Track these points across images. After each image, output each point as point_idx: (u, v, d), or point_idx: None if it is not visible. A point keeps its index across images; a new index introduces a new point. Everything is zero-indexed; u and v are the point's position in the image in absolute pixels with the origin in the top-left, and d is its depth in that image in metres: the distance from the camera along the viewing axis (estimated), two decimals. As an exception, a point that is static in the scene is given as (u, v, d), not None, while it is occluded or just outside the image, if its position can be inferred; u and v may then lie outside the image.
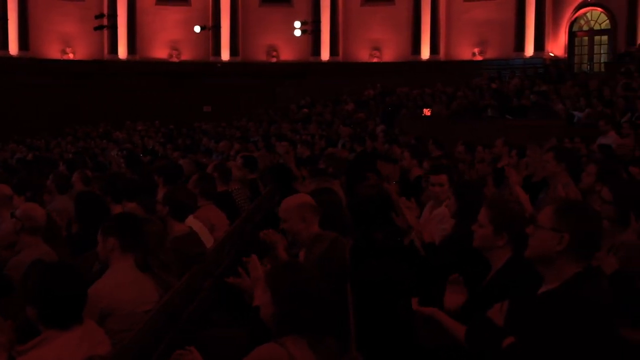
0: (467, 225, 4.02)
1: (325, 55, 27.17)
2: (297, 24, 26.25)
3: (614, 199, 4.46)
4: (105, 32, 26.54)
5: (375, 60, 26.90)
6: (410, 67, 25.63)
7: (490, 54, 25.49)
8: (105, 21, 26.06)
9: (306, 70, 26.48)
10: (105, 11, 26.18)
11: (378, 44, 26.93)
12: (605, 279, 3.11)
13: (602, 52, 24.74)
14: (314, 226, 4.37)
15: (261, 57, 27.58)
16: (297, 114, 21.97)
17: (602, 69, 22.88)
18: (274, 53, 27.53)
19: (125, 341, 3.38)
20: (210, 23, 27.09)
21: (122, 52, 27.00)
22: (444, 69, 25.04)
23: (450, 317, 3.13)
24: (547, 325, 2.67)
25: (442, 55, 26.19)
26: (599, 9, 24.46)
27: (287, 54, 27.52)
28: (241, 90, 25.91)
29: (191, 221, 5.30)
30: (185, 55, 27.52)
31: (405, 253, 5.16)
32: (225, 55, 27.47)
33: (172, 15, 27.27)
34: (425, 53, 26.22)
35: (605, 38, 24.60)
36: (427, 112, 18.45)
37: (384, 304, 4.44)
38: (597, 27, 24.76)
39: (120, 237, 3.91)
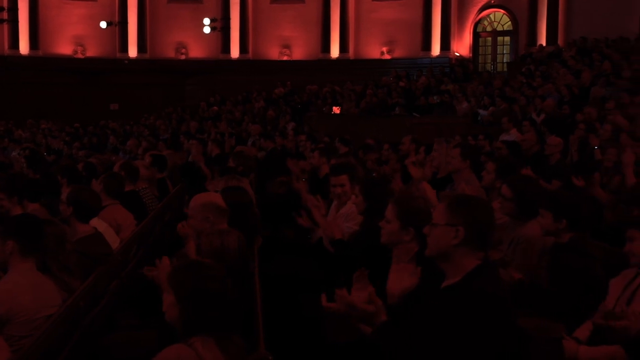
0: (375, 221, 4.09)
1: (235, 52, 26.99)
2: (207, 21, 25.97)
3: (513, 195, 4.62)
4: (6, 26, 25.51)
5: (285, 58, 26.91)
6: (319, 65, 25.76)
7: (398, 53, 25.89)
8: (5, 15, 25.06)
9: (216, 67, 26.24)
10: (5, 4, 25.19)
11: (288, 42, 26.95)
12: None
13: (504, 52, 25.51)
14: (221, 225, 4.33)
15: (170, 54, 27.16)
16: (207, 112, 21.76)
17: (505, 69, 23.60)
18: (183, 50, 27.16)
19: (26, 348, 3.26)
20: (116, 19, 26.46)
21: (24, 48, 26.03)
22: (353, 68, 25.27)
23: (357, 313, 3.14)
24: (449, 318, 2.74)
25: (351, 53, 26.44)
26: (501, 10, 25.21)
27: (196, 51, 27.20)
28: (149, 88, 25.45)
29: (96, 222, 5.18)
30: (91, 52, 26.81)
31: (313, 250, 5.21)
32: (132, 52, 26.92)
33: (77, 9, 26.50)
34: (334, 51, 26.41)
35: (507, 39, 25.38)
36: (336, 110, 18.59)
37: (292, 301, 4.47)
38: (500, 28, 25.52)
39: (20, 239, 3.78)
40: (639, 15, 21.70)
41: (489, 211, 3.07)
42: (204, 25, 26.01)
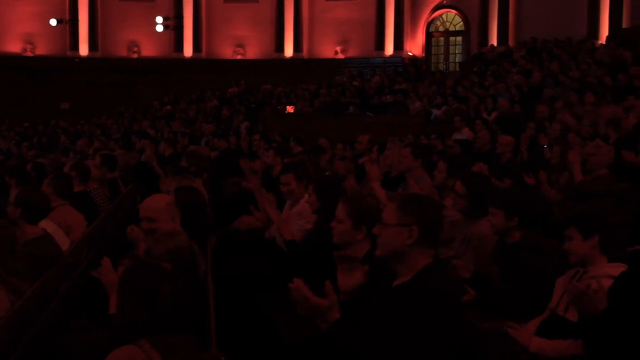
0: (329, 221, 4.10)
1: (188, 51, 26.78)
2: (159, 19, 25.71)
3: (466, 192, 4.68)
4: (-49, 23, 24.97)
5: (239, 57, 26.80)
6: (274, 64, 25.71)
7: (352, 52, 25.99)
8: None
9: (169, 66, 25.98)
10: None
11: (242, 41, 26.83)
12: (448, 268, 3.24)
13: (457, 52, 25.80)
14: (174, 226, 4.31)
15: (122, 52, 26.82)
16: (160, 112, 21.56)
17: (457, 68, 23.86)
18: (135, 49, 26.84)
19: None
20: (67, 16, 26.03)
21: (-29, 45, 25.52)
22: (307, 67, 25.30)
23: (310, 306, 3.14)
24: (401, 317, 2.77)
25: (305, 53, 26.45)
26: (453, 11, 25.48)
27: (148, 50, 26.90)
28: (101, 87, 25.05)
29: (45, 223, 5.10)
30: (41, 50, 26.31)
31: (267, 249, 5.21)
32: (83, 50, 26.51)
33: (27, 7, 25.98)
34: (288, 51, 26.40)
35: (459, 39, 25.67)
36: (290, 109, 18.59)
37: (246, 300, 4.46)
38: (452, 28, 25.81)
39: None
40: (586, 17, 22.19)
41: (439, 210, 3.13)
42: (157, 24, 25.75)
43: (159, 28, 25.84)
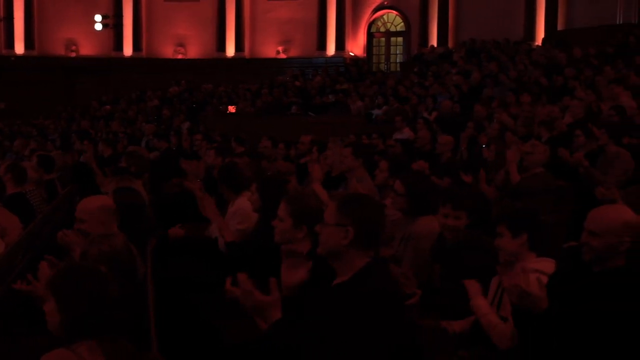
0: (271, 220, 4.10)
1: (128, 50, 26.42)
2: (98, 17, 25.30)
3: (405, 191, 4.73)
4: None
5: (180, 56, 26.55)
6: (215, 64, 25.54)
7: (294, 52, 26.01)
8: None
9: (108, 65, 25.58)
10: None
11: (183, 40, 26.59)
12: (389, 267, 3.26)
13: (397, 52, 26.06)
14: (112, 227, 4.24)
15: (59, 51, 26.28)
16: (99, 111, 21.21)
17: (398, 69, 24.10)
18: (73, 47, 26.35)
19: None
20: (1, 14, 25.40)
21: None
22: (249, 67, 25.22)
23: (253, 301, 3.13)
24: (340, 317, 2.78)
25: (247, 52, 26.35)
26: (394, 12, 25.72)
27: (87, 49, 26.44)
28: (38, 86, 24.48)
29: (-22, 226, 4.97)
30: (-25, 48, 25.68)
31: (207, 250, 5.17)
32: (19, 48, 25.90)
33: (-42, 4, 25.32)
34: (230, 50, 26.26)
35: (400, 39, 25.93)
36: (232, 109, 18.51)
37: (186, 302, 4.42)
38: (393, 28, 26.05)
39: None
40: (523, 19, 22.69)
41: (379, 210, 3.11)
42: (96, 22, 25.33)
43: (98, 26, 25.43)
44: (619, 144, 7.67)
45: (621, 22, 19.63)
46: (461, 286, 3.86)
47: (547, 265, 3.60)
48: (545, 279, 3.40)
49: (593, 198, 5.43)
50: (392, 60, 25.94)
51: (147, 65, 25.64)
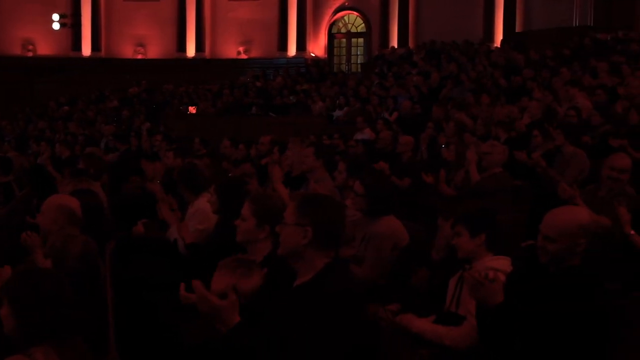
0: (230, 221, 4.09)
1: (86, 50, 26.08)
2: (56, 16, 24.92)
3: (365, 192, 4.75)
4: None
5: (139, 56, 26.30)
6: (175, 64, 25.35)
7: (255, 53, 25.93)
8: None
9: (66, 65, 25.18)
10: None
11: (143, 40, 26.35)
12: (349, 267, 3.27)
13: (358, 53, 26.15)
14: (70, 229, 4.20)
15: (16, 50, 25.83)
16: (57, 112, 20.88)
17: (359, 69, 24.19)
18: (30, 47, 25.92)
19: None
20: (-45, 12, 24.95)
21: None
22: (209, 67, 25.08)
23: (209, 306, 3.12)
24: (300, 318, 2.79)
25: (207, 53, 26.20)
26: (355, 13, 25.80)
27: (45, 49, 26.03)
28: (-6, 86, 24.12)
29: None
30: None
31: (167, 251, 5.14)
32: (-26, 48, 25.46)
33: None
34: (190, 51, 26.09)
35: (361, 40, 26.03)
36: (192, 109, 18.40)
37: (146, 304, 4.39)
38: (354, 29, 26.14)
39: None
40: (482, 21, 22.96)
41: (338, 210, 3.12)
42: (53, 21, 24.96)
43: (56, 26, 25.05)
44: (575, 144, 7.80)
45: (577, 24, 19.98)
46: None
47: (504, 263, 3.67)
48: (502, 277, 3.44)
49: (550, 197, 5.51)
50: (353, 61, 26.03)
51: (106, 66, 25.32)
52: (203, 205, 5.47)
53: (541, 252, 3.30)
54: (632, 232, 4.77)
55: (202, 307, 2.82)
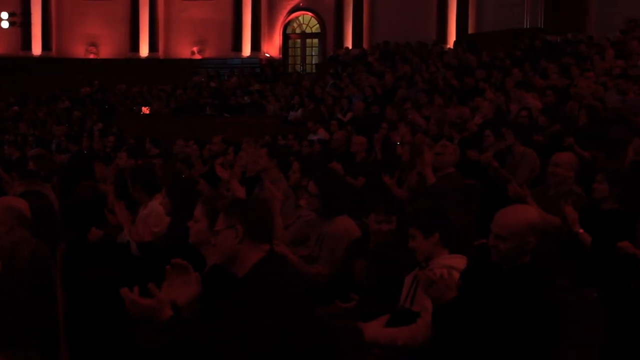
0: (182, 222, 4.07)
1: (37, 49, 25.63)
2: (5, 15, 24.42)
3: (319, 192, 4.76)
4: None
5: (92, 56, 25.95)
6: (128, 64, 25.06)
7: (209, 53, 25.79)
8: None
9: (16, 65, 24.72)
10: None
11: (95, 39, 26.00)
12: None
13: (313, 54, 26.20)
14: (19, 231, 4.12)
15: (-37, 50, 25.33)
16: (6, 112, 20.49)
17: (313, 70, 24.23)
18: (-21, 46, 25.43)
19: None
20: None
21: None
22: (163, 67, 24.86)
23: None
24: (235, 311, 2.85)
25: (161, 53, 25.97)
26: (310, 13, 25.84)
27: (-7, 48, 25.58)
28: (-59, 86, 23.55)
29: None
30: None
31: (120, 254, 5.09)
32: None
33: None
34: (144, 50, 25.83)
35: (316, 41, 26.07)
36: (145, 110, 18.22)
37: (99, 307, 4.33)
38: (308, 30, 26.17)
39: None
40: (435, 22, 23.19)
41: (264, 207, 3.28)
42: (2, 20, 24.46)
43: (5, 24, 24.54)
44: (527, 144, 7.92)
45: (528, 26, 20.30)
46: (393, 282, 3.93)
47: (460, 261, 3.71)
48: (456, 275, 3.49)
49: (501, 196, 5.60)
50: (307, 61, 26.06)
51: (57, 65, 24.92)
52: (157, 207, 5.43)
53: (493, 252, 3.36)
54: (581, 230, 4.87)
55: (132, 310, 2.91)
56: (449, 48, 20.66)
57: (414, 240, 3.79)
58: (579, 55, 14.70)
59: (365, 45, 23.67)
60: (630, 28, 16.56)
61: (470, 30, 22.67)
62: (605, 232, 4.82)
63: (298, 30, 26.31)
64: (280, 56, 25.77)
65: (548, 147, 7.85)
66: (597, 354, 3.44)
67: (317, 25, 25.86)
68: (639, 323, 4.08)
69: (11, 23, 24.58)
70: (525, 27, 20.31)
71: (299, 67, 25.56)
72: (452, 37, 22.62)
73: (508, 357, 3.11)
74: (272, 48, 25.83)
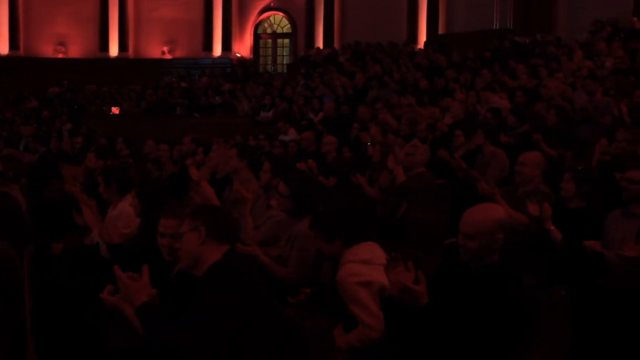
0: (152, 224, 4.05)
1: (4, 49, 25.29)
2: (-29, 14, 24.14)
3: (289, 192, 4.75)
4: None
5: (60, 56, 25.67)
6: (98, 64, 24.85)
7: (180, 53, 25.65)
8: None
9: (-17, 65, 24.42)
10: None
11: (63, 39, 25.73)
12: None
13: (284, 54, 26.18)
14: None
15: None
16: (-27, 113, 20.20)
17: (285, 70, 24.22)
18: (-56, 45, 25.04)
19: None
20: None
21: None
22: (133, 67, 24.68)
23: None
24: (195, 307, 2.92)
25: (131, 53, 25.77)
26: (281, 13, 25.81)
27: (-40, 47, 25.21)
28: None
29: None
30: None
31: (89, 255, 5.05)
32: None
33: None
34: (113, 50, 25.61)
35: (287, 41, 26.05)
36: (115, 110, 18.08)
37: (67, 308, 4.30)
38: (279, 30, 26.15)
39: None
40: (406, 23, 23.29)
41: (224, 210, 3.44)
42: (-33, 19, 24.16)
43: (-29, 24, 24.25)
44: (496, 144, 7.99)
45: (497, 27, 20.47)
46: None
47: (367, 249, 3.71)
48: (355, 267, 3.56)
49: (471, 196, 5.64)
50: (278, 61, 26.04)
51: (25, 65, 24.61)
52: (127, 209, 5.39)
53: (462, 251, 3.38)
54: (552, 227, 4.92)
55: (121, 288, 3.03)
56: (420, 48, 20.78)
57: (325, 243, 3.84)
58: (547, 56, 14.87)
59: (336, 45, 23.71)
60: (598, 29, 16.81)
61: (441, 31, 22.80)
62: (572, 230, 4.89)
63: (269, 30, 26.27)
64: (251, 56, 25.71)
65: (517, 147, 7.93)
66: (565, 351, 3.48)
67: (288, 25, 25.85)
68: (605, 320, 4.14)
69: (-23, 22, 24.27)
70: (494, 28, 20.48)
71: (270, 67, 25.52)
72: (422, 38, 22.74)
73: (476, 354, 3.14)
74: (243, 48, 25.76)
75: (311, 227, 3.97)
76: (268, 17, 26.09)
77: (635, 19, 17.05)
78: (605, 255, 4.52)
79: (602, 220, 4.94)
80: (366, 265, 3.65)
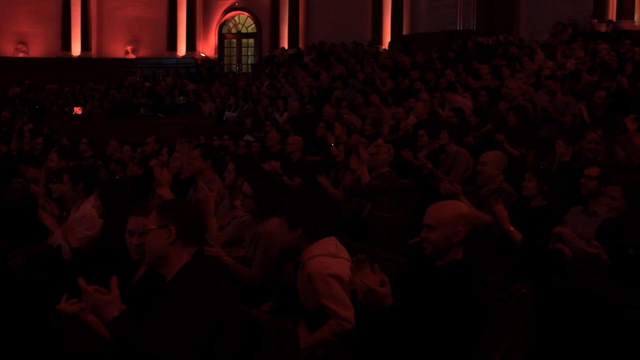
0: (115, 225, 4.02)
1: (-38, 48, 24.93)
2: None
3: (253, 193, 4.75)
4: None
5: (21, 55, 25.30)
6: (60, 63, 24.54)
7: (144, 52, 25.45)
8: None
9: (-60, 64, 23.99)
10: None
11: (24, 38, 25.36)
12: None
13: (249, 54, 26.12)
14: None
15: None
16: None
17: (249, 70, 24.18)
18: None
19: None
20: None
21: None
22: (96, 67, 24.43)
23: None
24: (164, 312, 2.90)
25: (94, 52, 25.48)
26: (245, 13, 25.76)
27: None
28: None
29: None
30: None
31: (50, 257, 5.00)
32: None
33: None
34: (76, 49, 25.30)
35: (252, 41, 26.00)
36: (78, 110, 17.86)
37: (29, 311, 4.26)
38: (244, 30, 26.08)
39: None
40: (370, 23, 23.39)
41: (196, 209, 3.33)
42: None
43: None
44: (459, 143, 8.06)
45: (461, 28, 20.66)
46: None
47: (324, 246, 3.74)
48: (325, 260, 3.58)
49: (436, 195, 5.69)
50: (243, 61, 25.98)
51: (-16, 65, 24.25)
52: (90, 210, 5.35)
53: (425, 244, 3.40)
54: (512, 228, 4.99)
55: (86, 301, 2.95)
56: (384, 49, 20.86)
57: (282, 229, 3.85)
58: (509, 56, 15.05)
59: (301, 45, 23.73)
60: (559, 31, 17.06)
61: (405, 32, 22.94)
62: (534, 227, 4.96)
63: (234, 30, 26.19)
64: (216, 56, 25.61)
65: (480, 147, 8.01)
66: (527, 349, 3.52)
67: (253, 25, 25.79)
68: (565, 317, 4.21)
69: None
70: (458, 29, 20.67)
71: (234, 67, 25.46)
72: (387, 38, 22.84)
73: (438, 351, 3.17)
74: (207, 48, 25.65)
75: (278, 213, 3.94)
76: (233, 17, 26.01)
77: (595, 20, 17.33)
78: (563, 251, 4.61)
79: (563, 217, 5.04)
80: (334, 258, 3.67)
